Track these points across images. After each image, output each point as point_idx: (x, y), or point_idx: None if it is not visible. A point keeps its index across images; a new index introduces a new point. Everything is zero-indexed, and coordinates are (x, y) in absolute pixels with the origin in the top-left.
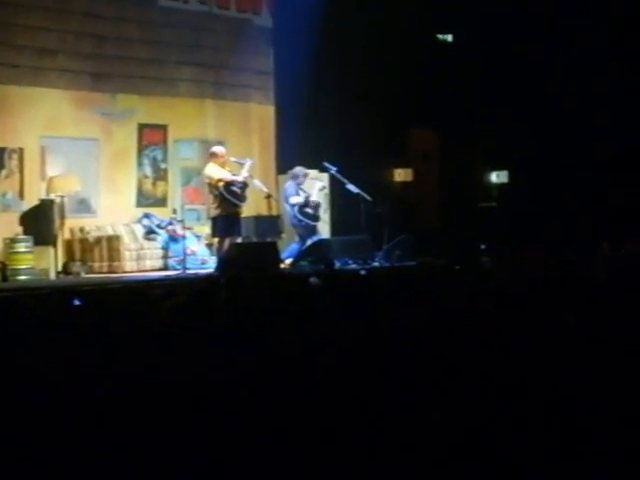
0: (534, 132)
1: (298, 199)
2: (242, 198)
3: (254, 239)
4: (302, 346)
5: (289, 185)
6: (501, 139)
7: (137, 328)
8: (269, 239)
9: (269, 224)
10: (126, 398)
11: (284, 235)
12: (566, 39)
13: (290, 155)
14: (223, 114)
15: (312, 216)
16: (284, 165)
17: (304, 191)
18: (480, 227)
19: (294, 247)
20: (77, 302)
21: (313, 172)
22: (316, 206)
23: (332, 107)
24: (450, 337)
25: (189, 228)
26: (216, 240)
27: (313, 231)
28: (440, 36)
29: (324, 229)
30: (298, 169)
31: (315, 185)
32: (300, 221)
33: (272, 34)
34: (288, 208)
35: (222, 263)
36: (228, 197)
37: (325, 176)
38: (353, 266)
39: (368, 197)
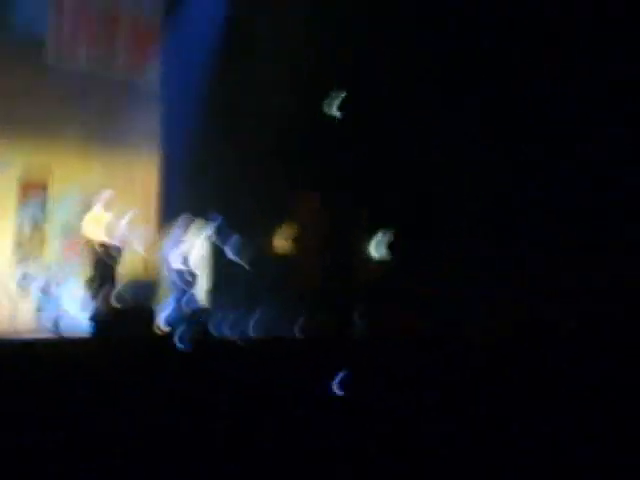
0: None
1: (176, 261)
2: (116, 258)
3: (128, 299)
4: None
5: (171, 238)
6: (385, 204)
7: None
8: (144, 300)
9: (146, 288)
10: None
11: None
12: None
13: (174, 206)
14: (107, 170)
15: (190, 273)
16: (168, 216)
17: (185, 242)
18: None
19: (170, 307)
20: None
21: (198, 222)
22: (193, 275)
23: (218, 163)
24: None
25: (65, 283)
26: (93, 286)
27: (189, 287)
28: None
29: (202, 285)
30: (182, 219)
31: (200, 236)
32: (175, 281)
33: (160, 91)
34: (165, 268)
35: (98, 327)
36: (102, 256)
37: (209, 227)
38: (226, 330)
39: (245, 265)
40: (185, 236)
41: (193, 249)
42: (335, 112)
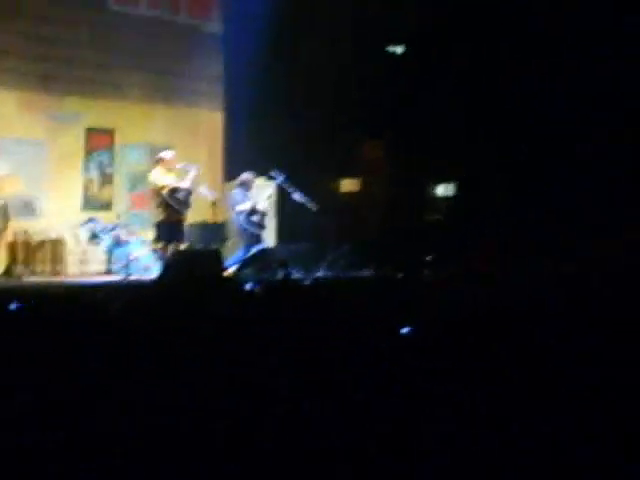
0: (483, 147)
1: (245, 206)
2: (186, 205)
3: (198, 246)
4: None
5: (236, 192)
6: (451, 153)
7: (77, 331)
8: (213, 246)
9: (213, 231)
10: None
11: (229, 243)
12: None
13: (238, 162)
14: (171, 120)
15: (258, 224)
16: (232, 172)
17: (251, 199)
18: (426, 239)
19: (239, 255)
20: (14, 305)
21: (260, 180)
22: (262, 214)
23: (281, 115)
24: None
25: (134, 233)
26: (160, 245)
27: (258, 239)
28: (390, 48)
29: (270, 237)
30: (245, 176)
31: (263, 193)
32: (245, 229)
33: (223, 41)
34: (234, 215)
35: (165, 269)
36: (172, 203)
37: (272, 184)
38: (297, 275)
39: (314, 207)
40: (254, 185)
41: (260, 198)
42: (399, 57)
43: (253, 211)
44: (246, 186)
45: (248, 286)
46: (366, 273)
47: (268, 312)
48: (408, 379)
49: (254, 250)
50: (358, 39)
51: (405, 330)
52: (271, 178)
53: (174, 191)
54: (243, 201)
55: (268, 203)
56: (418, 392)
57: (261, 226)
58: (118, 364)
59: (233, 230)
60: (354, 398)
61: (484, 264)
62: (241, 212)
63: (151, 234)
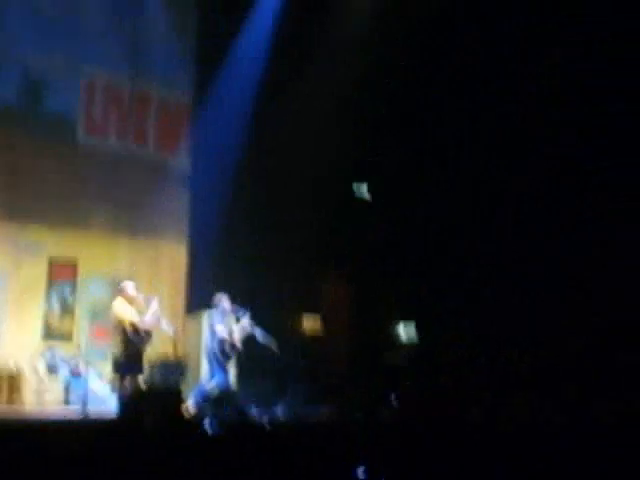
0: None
1: (222, 330)
2: (146, 338)
3: (158, 381)
4: None
5: (215, 313)
6: (413, 291)
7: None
8: (172, 382)
9: (173, 366)
10: None
11: (188, 377)
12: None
13: (201, 294)
14: (134, 251)
15: (227, 354)
16: (194, 304)
17: (226, 326)
18: (388, 380)
19: (199, 390)
20: None
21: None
22: (233, 345)
23: (244, 253)
24: None
25: (92, 365)
26: (116, 377)
27: (224, 369)
28: (356, 189)
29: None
30: (219, 297)
31: (239, 322)
32: (215, 354)
33: (188, 175)
34: (208, 335)
35: (123, 406)
36: (131, 337)
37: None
38: (254, 413)
39: (275, 349)
40: (227, 313)
41: (235, 326)
42: (364, 195)
43: (227, 339)
44: (223, 310)
45: (207, 425)
46: (325, 411)
47: (226, 455)
48: None
49: (215, 387)
50: (325, 177)
51: (360, 471)
52: (238, 309)
53: (134, 325)
54: (221, 323)
55: (244, 332)
56: None
57: (229, 357)
58: None
59: (194, 359)
60: None
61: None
62: (216, 334)
63: (109, 366)
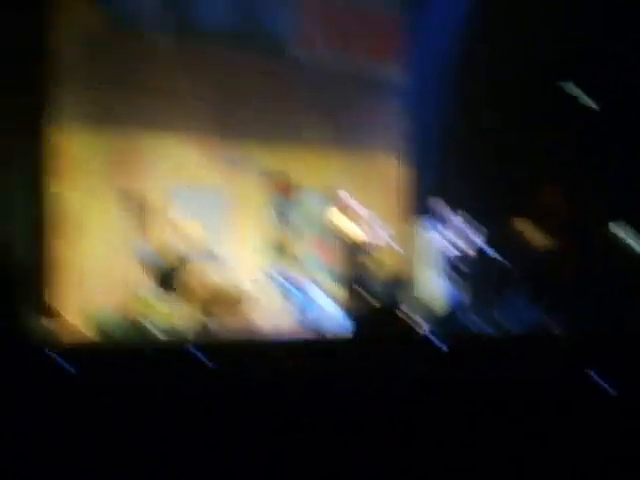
0: None
1: (442, 242)
2: (367, 250)
3: (382, 295)
4: None
5: (433, 222)
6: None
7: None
8: (396, 297)
9: (395, 280)
10: None
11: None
12: None
13: (416, 204)
14: (345, 164)
15: (453, 267)
16: (409, 214)
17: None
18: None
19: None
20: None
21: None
22: (456, 259)
23: (460, 162)
24: None
25: (313, 277)
26: (342, 292)
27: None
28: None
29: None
30: (436, 205)
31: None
32: (439, 267)
33: (400, 86)
34: (429, 248)
35: (357, 324)
36: (354, 249)
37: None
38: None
39: (497, 257)
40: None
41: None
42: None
43: (449, 249)
44: (442, 220)
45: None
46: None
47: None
48: None
49: (442, 301)
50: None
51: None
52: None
53: (354, 236)
54: (441, 233)
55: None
56: None
57: (454, 268)
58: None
59: (413, 271)
60: None
61: None
62: (438, 245)
63: (328, 279)
